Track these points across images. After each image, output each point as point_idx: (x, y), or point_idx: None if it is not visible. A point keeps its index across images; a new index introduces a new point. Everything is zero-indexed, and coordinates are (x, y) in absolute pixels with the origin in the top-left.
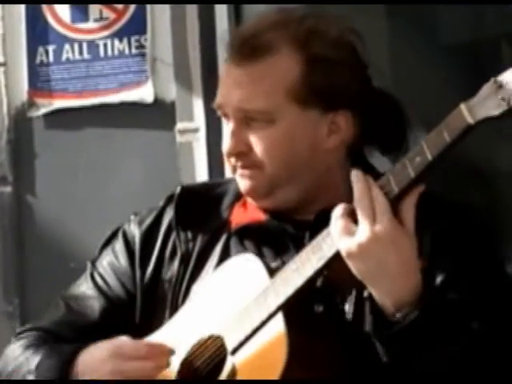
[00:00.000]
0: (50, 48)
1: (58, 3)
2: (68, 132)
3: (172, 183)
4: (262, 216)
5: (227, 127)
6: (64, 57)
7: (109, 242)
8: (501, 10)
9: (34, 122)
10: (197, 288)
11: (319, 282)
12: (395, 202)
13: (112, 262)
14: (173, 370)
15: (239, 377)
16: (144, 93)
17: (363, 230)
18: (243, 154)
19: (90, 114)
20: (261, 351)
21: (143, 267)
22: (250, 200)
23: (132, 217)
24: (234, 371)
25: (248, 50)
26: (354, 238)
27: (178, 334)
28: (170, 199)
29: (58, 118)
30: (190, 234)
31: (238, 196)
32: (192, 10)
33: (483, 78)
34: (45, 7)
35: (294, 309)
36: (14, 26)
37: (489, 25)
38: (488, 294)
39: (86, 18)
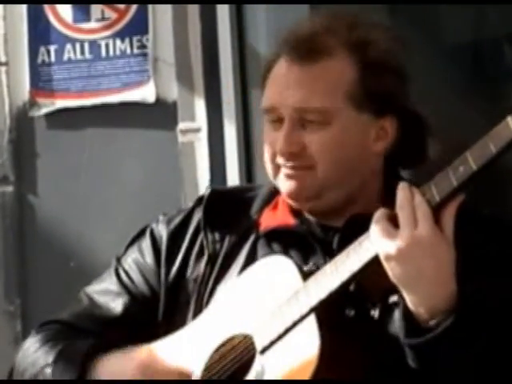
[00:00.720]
0: (52, 48)
1: (60, 3)
2: (70, 132)
3: (174, 183)
4: (290, 220)
5: (270, 128)
6: (66, 57)
7: (135, 239)
8: (502, 10)
9: (35, 122)
10: (223, 288)
11: (352, 287)
12: (436, 210)
13: (137, 259)
14: (198, 367)
15: (267, 376)
16: (146, 93)
17: (404, 234)
18: (296, 154)
19: (91, 114)
20: (291, 352)
21: (168, 266)
22: (290, 202)
23: (161, 217)
24: (262, 370)
25: (305, 50)
26: (395, 241)
27: (205, 333)
28: (199, 200)
29: (60, 118)
30: (217, 236)
31: (268, 200)
32: (194, 10)
33: (485, 78)
34: (46, 7)
35: (327, 311)
36: (15, 26)
37: (490, 25)
38: None
39: (87, 18)
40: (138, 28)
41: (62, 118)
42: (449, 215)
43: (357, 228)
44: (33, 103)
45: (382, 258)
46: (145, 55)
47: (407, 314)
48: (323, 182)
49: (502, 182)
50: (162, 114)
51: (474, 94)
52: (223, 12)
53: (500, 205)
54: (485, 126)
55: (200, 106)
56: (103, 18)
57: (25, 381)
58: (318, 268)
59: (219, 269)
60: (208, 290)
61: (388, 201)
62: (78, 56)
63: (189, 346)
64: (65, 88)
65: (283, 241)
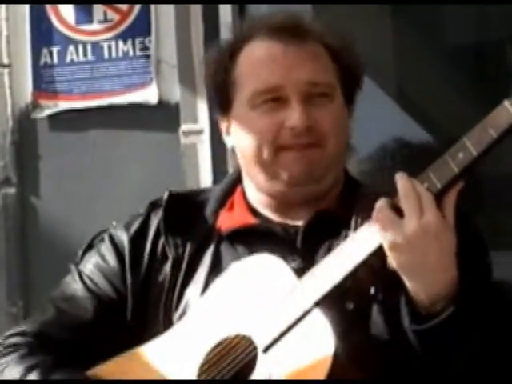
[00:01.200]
0: (55, 49)
1: (62, 3)
2: (72, 133)
3: (176, 184)
4: (251, 219)
5: (264, 111)
6: (68, 58)
7: (91, 246)
8: (505, 10)
9: (38, 124)
10: (193, 291)
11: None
12: (437, 198)
13: (99, 263)
14: (191, 371)
15: (276, 375)
16: (148, 94)
17: (411, 222)
18: (312, 129)
19: (94, 116)
20: (301, 349)
21: (134, 270)
22: (286, 188)
23: (114, 223)
24: (268, 369)
25: (297, 31)
26: (401, 230)
27: (192, 336)
28: (153, 205)
29: (63, 120)
30: (178, 239)
31: (222, 202)
32: (196, 12)
33: (487, 78)
34: (49, 9)
35: (329, 306)
36: (18, 28)
37: (493, 25)
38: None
39: (90, 20)
40: (140, 30)
41: (65, 120)
42: (450, 202)
43: (318, 226)
44: (35, 105)
45: (387, 247)
46: (147, 57)
47: (409, 302)
48: (330, 161)
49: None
50: (164, 116)
51: (476, 95)
52: (226, 13)
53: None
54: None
55: (202, 107)
56: (106, 20)
57: (25, 381)
58: (304, 265)
59: (185, 272)
60: (176, 293)
61: (344, 204)
62: (81, 58)
63: (176, 351)
64: (67, 90)
65: (246, 241)
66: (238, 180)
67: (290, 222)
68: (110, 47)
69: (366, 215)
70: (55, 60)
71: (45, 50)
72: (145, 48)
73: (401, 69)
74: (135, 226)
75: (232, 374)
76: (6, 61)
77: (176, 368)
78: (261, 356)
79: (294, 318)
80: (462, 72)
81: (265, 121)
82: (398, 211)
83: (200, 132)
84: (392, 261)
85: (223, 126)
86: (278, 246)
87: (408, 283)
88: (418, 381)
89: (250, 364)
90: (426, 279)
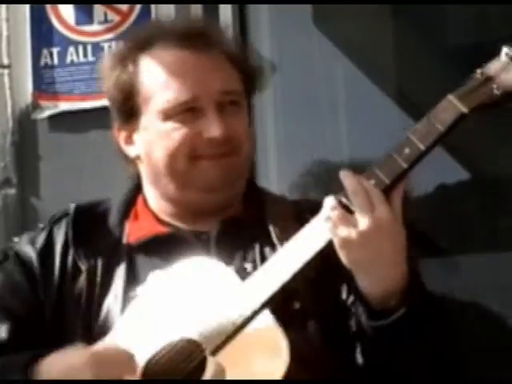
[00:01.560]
0: (55, 50)
1: (62, 3)
2: (72, 134)
3: None
4: (161, 228)
5: (178, 122)
6: (68, 59)
7: None
8: (505, 10)
9: (38, 124)
10: (112, 303)
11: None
12: (384, 193)
13: (6, 282)
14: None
15: (228, 377)
16: None
17: (364, 218)
18: (229, 138)
19: (94, 117)
20: (251, 348)
21: (46, 286)
22: (200, 195)
23: (16, 239)
24: (219, 371)
25: (202, 39)
26: (355, 227)
27: (131, 342)
28: (54, 219)
29: (63, 121)
30: (88, 251)
31: (125, 212)
32: (196, 12)
33: None
34: (49, 9)
35: (278, 305)
36: (18, 28)
37: (493, 25)
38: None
39: (90, 21)
40: None
41: (65, 121)
42: (397, 197)
43: (229, 232)
44: (35, 106)
45: (339, 244)
46: None
47: (362, 298)
48: (243, 167)
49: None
50: None
51: None
52: (226, 13)
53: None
54: (487, 125)
55: None
56: (106, 21)
57: (25, 381)
58: (244, 267)
59: (100, 283)
60: (94, 305)
61: (250, 209)
62: (81, 58)
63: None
64: (68, 90)
65: (160, 250)
66: (137, 189)
67: (199, 229)
68: (110, 48)
69: (281, 220)
70: (55, 61)
71: (45, 51)
72: None
73: (401, 69)
74: (40, 241)
75: (182, 378)
76: (5, 61)
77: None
78: (210, 358)
79: (242, 319)
80: (462, 71)
81: (181, 132)
82: (346, 209)
83: None
84: (344, 258)
85: (121, 134)
86: (191, 253)
87: (361, 280)
88: (368, 380)
89: (200, 367)
90: (380, 275)
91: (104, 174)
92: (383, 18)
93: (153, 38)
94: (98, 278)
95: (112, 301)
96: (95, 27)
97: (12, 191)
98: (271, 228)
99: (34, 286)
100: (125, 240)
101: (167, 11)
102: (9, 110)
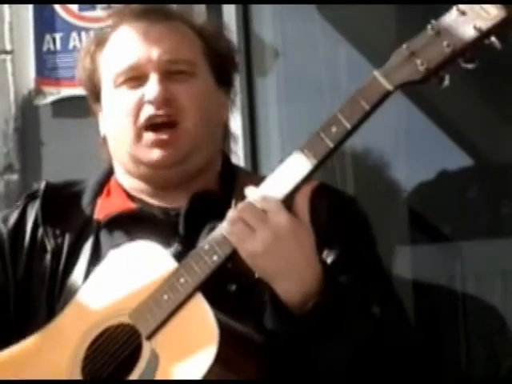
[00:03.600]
0: (57, 36)
1: (65, 3)
2: (75, 120)
3: None
4: (130, 205)
5: (124, 91)
6: (71, 45)
7: None
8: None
9: (40, 110)
10: (75, 282)
11: (230, 264)
12: (289, 198)
13: None
14: (74, 363)
15: (161, 360)
16: None
17: (261, 230)
18: (169, 101)
19: None
20: (185, 333)
21: (14, 263)
22: (152, 171)
23: None
24: (154, 355)
25: (162, 11)
26: (257, 239)
27: (73, 328)
28: (30, 196)
29: (65, 106)
30: (57, 230)
31: (98, 191)
32: (200, 9)
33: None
34: None
35: (210, 289)
36: (21, 14)
37: None
38: (376, 278)
39: (93, 6)
40: None
41: (68, 107)
42: (301, 200)
43: (199, 207)
44: (38, 91)
45: (245, 257)
46: None
47: (279, 304)
48: (194, 140)
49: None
50: None
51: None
52: (229, 10)
53: None
54: (498, 120)
55: None
56: (109, 7)
57: (26, 381)
58: (185, 249)
59: (65, 263)
60: (57, 284)
61: (224, 185)
62: (84, 44)
63: (57, 343)
64: (70, 76)
65: (126, 227)
66: (111, 170)
67: (170, 205)
68: None
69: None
70: (58, 46)
71: (48, 37)
72: None
73: None
74: (13, 219)
75: (118, 363)
76: (8, 47)
77: (59, 360)
78: (146, 343)
79: (176, 303)
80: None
81: (126, 99)
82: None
83: None
84: (255, 270)
85: (99, 115)
86: (158, 230)
87: (276, 288)
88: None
89: (137, 351)
90: (294, 280)
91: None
92: (388, 16)
93: (117, 19)
94: (63, 258)
95: (75, 279)
96: (98, 13)
97: (14, 177)
98: (233, 204)
99: (3, 264)
100: (95, 218)
101: None
102: (11, 95)
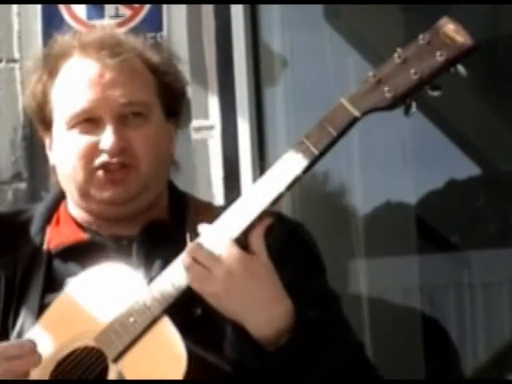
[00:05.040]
0: None
1: (72, 3)
2: None
3: (187, 180)
4: (82, 235)
5: (77, 134)
6: None
7: None
8: None
9: None
10: (29, 311)
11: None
12: (244, 235)
13: None
14: None
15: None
16: None
17: (216, 271)
18: (124, 150)
19: None
20: (151, 355)
21: None
22: (103, 209)
23: None
24: (121, 377)
25: (115, 48)
26: (215, 279)
27: (41, 350)
28: None
29: None
30: (8, 258)
31: (47, 218)
32: (208, 8)
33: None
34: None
35: (177, 312)
36: (29, 23)
37: (503, 23)
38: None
39: (101, 15)
40: (152, 25)
41: None
42: (255, 236)
43: (152, 235)
44: None
45: (208, 299)
46: None
47: (251, 341)
48: (145, 181)
49: None
50: None
51: (489, 92)
52: (237, 9)
53: None
54: (498, 123)
55: (213, 103)
56: (117, 15)
57: (28, 381)
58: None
59: (19, 291)
60: (12, 311)
61: (174, 214)
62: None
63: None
64: None
65: (79, 257)
66: (61, 197)
67: (122, 233)
68: None
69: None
70: None
71: None
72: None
73: None
74: None
75: None
76: (17, 56)
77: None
78: (111, 365)
79: (142, 326)
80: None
81: (79, 143)
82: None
83: (211, 128)
84: (220, 310)
85: (47, 141)
86: (111, 259)
87: (246, 325)
88: None
89: (104, 374)
90: (262, 316)
91: None
92: (394, 12)
93: (70, 47)
94: (17, 286)
95: (28, 309)
96: (106, 22)
97: (23, 185)
98: (187, 235)
99: None
100: (45, 246)
101: (178, 7)
102: (20, 104)
